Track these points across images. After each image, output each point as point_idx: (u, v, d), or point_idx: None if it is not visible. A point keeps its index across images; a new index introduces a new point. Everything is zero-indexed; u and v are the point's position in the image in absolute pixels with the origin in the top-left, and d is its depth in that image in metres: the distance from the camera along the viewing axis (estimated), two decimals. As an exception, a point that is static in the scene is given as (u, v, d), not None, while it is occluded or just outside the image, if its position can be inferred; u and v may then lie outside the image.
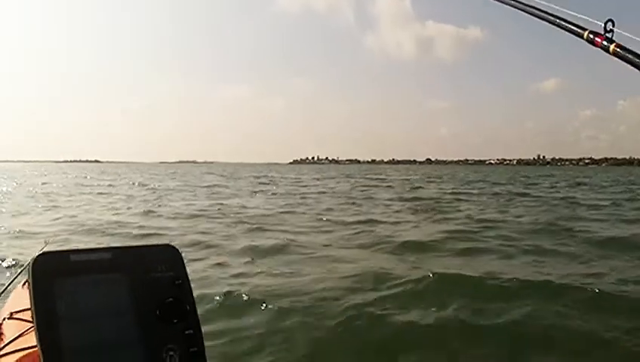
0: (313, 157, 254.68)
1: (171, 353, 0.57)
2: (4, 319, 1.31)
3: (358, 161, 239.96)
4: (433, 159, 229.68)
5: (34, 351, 0.56)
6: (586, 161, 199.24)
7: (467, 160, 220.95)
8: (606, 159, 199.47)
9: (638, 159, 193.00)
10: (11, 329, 1.17)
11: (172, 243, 0.65)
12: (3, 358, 1.08)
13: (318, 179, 35.20)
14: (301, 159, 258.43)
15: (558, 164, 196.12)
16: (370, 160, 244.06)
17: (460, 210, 12.22)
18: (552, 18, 1.34)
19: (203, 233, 8.07)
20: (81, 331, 0.54)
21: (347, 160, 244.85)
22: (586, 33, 1.17)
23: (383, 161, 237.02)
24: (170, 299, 0.60)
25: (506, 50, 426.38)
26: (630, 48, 1.06)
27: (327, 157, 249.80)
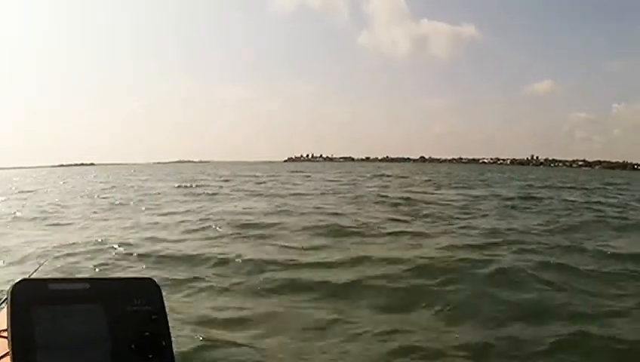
0: (308, 155, 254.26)
1: None
2: None
3: (352, 159, 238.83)
4: (427, 157, 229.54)
5: None
6: (580, 163, 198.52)
7: (461, 158, 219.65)
8: (599, 162, 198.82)
9: (632, 163, 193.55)
10: None
11: (152, 278, 0.65)
12: None
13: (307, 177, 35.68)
14: (295, 157, 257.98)
15: (552, 165, 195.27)
16: (364, 157, 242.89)
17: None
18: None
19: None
20: (56, 360, 0.54)
21: (341, 157, 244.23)
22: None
23: (377, 158, 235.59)
24: (147, 334, 0.60)
25: (500, 50, 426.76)
26: None
27: (321, 155, 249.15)
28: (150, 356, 0.58)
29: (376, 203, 17.08)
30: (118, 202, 18.28)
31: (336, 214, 13.44)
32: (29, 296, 0.56)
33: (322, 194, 21.21)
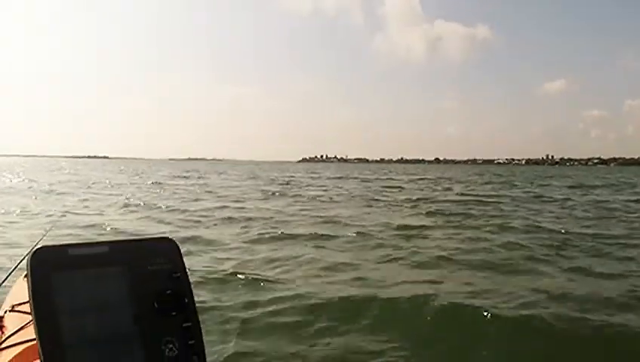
0: (322, 156, 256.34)
1: (170, 345, 0.58)
2: (5, 311, 1.32)
3: (367, 160, 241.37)
4: (442, 159, 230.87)
5: (35, 344, 0.52)
6: (595, 161, 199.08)
7: (476, 159, 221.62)
8: (614, 159, 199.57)
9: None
10: (13, 321, 1.18)
11: (170, 236, 0.65)
12: (5, 351, 1.09)
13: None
14: (310, 157, 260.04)
15: (567, 164, 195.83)
16: (378, 159, 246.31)
17: None
18: None
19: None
20: (80, 325, 0.55)
21: (356, 158, 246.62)
22: None
23: (391, 160, 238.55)
24: (169, 292, 0.60)
25: (514, 50, 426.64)
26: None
27: (335, 156, 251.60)
28: (173, 313, 0.60)
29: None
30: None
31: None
32: (48, 262, 0.56)
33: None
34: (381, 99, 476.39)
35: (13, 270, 1.64)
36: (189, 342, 0.59)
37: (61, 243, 0.59)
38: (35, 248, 0.56)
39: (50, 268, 0.55)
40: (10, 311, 1.29)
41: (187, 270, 0.63)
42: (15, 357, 1.05)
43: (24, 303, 1.24)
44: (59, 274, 0.56)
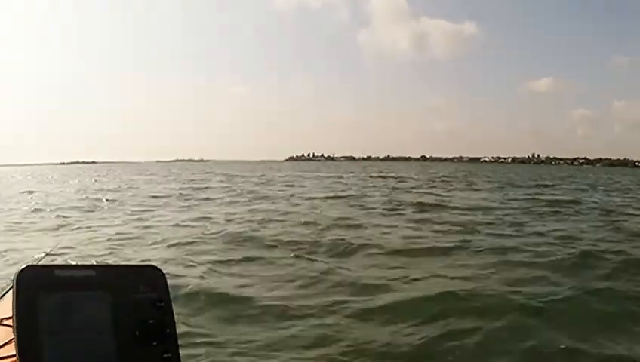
0: (309, 154, 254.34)
1: None
2: None
3: (354, 158, 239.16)
4: (428, 156, 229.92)
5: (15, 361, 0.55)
6: (581, 160, 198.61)
7: (462, 157, 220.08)
8: (600, 159, 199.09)
9: (633, 161, 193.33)
10: (0, 335, 1.14)
11: (156, 265, 0.65)
12: None
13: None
14: (297, 156, 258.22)
15: (553, 163, 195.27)
16: (365, 156, 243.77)
17: None
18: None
19: None
20: (60, 346, 0.54)
21: (343, 157, 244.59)
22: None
23: (378, 158, 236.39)
24: (151, 321, 0.60)
25: (500, 48, 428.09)
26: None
27: (322, 154, 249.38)
28: (154, 343, 0.59)
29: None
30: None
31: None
32: (34, 282, 0.56)
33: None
34: (368, 96, 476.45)
35: (9, 290, 1.53)
36: None
37: (49, 263, 0.61)
38: (23, 267, 0.57)
39: (35, 287, 0.56)
40: None
41: (171, 300, 0.63)
42: None
43: (10, 318, 0.98)
44: (43, 294, 0.56)
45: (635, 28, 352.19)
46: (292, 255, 7.17)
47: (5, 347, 1.03)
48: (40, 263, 0.62)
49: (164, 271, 0.66)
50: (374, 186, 26.37)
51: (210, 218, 11.59)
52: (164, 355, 0.59)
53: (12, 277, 0.57)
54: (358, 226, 10.20)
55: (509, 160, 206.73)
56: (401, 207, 14.37)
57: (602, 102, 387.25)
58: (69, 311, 0.57)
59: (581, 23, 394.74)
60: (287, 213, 12.59)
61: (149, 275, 0.63)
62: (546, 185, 29.11)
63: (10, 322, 1.12)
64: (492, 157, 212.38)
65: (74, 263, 0.92)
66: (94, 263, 1.00)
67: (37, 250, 6.76)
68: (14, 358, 0.75)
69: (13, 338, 0.68)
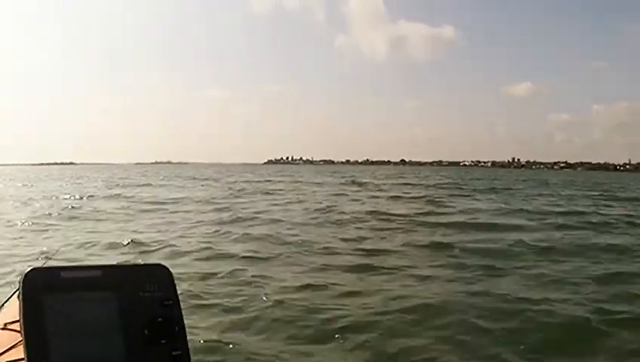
0: (288, 158, 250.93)
1: None
2: None
3: (332, 162, 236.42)
4: (407, 160, 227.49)
5: None
6: (561, 164, 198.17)
7: (442, 161, 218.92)
8: (581, 163, 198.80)
9: (613, 164, 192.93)
10: (4, 340, 1.00)
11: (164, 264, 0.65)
12: None
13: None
14: (275, 159, 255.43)
15: (533, 167, 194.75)
16: (344, 160, 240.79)
17: None
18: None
19: None
20: (69, 347, 0.53)
21: (321, 160, 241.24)
22: None
23: (357, 161, 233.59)
24: (160, 319, 0.59)
25: (479, 52, 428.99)
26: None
27: (301, 158, 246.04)
28: (163, 341, 0.58)
29: None
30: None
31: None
32: (40, 284, 0.55)
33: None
34: (346, 99, 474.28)
35: (14, 293, 1.31)
36: None
37: (54, 265, 0.59)
38: (29, 269, 0.56)
39: (41, 289, 0.55)
40: (2, 329, 1.11)
41: (179, 298, 0.63)
42: None
43: (16, 321, 0.92)
44: (50, 295, 0.55)
45: (613, 32, 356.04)
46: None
47: (11, 351, 0.93)
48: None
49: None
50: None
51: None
52: (174, 353, 0.58)
53: (18, 280, 0.56)
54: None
55: (489, 164, 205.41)
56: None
57: (581, 107, 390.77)
58: (77, 312, 0.55)
59: (561, 27, 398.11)
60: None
61: (155, 274, 0.62)
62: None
63: (14, 326, 1.08)
64: (472, 161, 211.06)
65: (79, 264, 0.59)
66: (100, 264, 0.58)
67: None
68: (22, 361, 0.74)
69: (19, 342, 0.65)
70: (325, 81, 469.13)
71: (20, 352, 0.68)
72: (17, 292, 0.59)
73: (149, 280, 0.61)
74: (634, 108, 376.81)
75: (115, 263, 0.63)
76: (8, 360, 0.87)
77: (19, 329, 0.55)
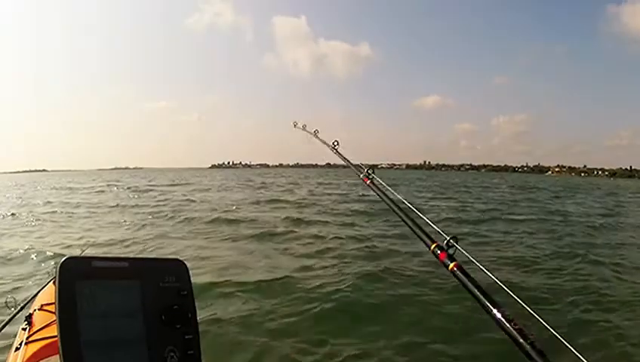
0: (229, 162, 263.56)
1: (172, 353, 0.66)
2: (34, 310, 1.47)
3: (268, 166, 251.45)
4: (332, 163, 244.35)
5: (56, 340, 0.59)
6: (467, 166, 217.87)
7: (361, 164, 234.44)
8: (484, 165, 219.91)
9: (512, 166, 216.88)
10: (40, 319, 1.32)
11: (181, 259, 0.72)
12: (31, 344, 1.24)
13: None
14: (219, 164, 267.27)
15: (442, 168, 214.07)
16: (277, 164, 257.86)
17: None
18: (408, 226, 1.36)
19: None
20: (96, 327, 0.62)
21: (258, 164, 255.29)
22: (432, 246, 1.19)
23: (288, 164, 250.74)
24: (175, 307, 0.69)
25: (392, 67, 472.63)
26: (466, 270, 1.07)
27: (240, 162, 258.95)
28: (178, 326, 0.68)
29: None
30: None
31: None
32: (74, 271, 0.63)
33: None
34: (276, 109, 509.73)
35: (51, 280, 1.81)
36: (189, 352, 0.68)
37: (88, 255, 0.69)
38: (65, 258, 0.65)
39: (75, 275, 0.63)
40: (39, 309, 1.46)
41: (193, 289, 0.72)
42: (39, 350, 1.21)
43: (51, 304, 1.38)
44: (82, 281, 0.63)
45: (513, 50, 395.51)
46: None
47: (46, 329, 1.18)
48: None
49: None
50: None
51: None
52: (186, 337, 0.68)
53: (55, 268, 0.62)
54: None
55: (404, 166, 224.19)
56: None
57: (483, 118, 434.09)
58: (104, 297, 0.64)
59: (466, 45, 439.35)
60: None
61: (174, 267, 0.72)
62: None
63: (48, 308, 1.40)
64: (388, 164, 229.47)
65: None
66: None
67: None
68: (53, 339, 1.01)
69: (53, 321, 0.84)
70: (258, 93, 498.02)
71: (52, 331, 0.93)
72: (53, 279, 0.72)
73: (168, 273, 0.70)
74: (529, 120, 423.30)
75: (139, 256, 0.71)
76: (43, 336, 1.09)
77: (53, 310, 0.70)
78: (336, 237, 9.71)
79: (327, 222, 12.51)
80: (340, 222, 12.37)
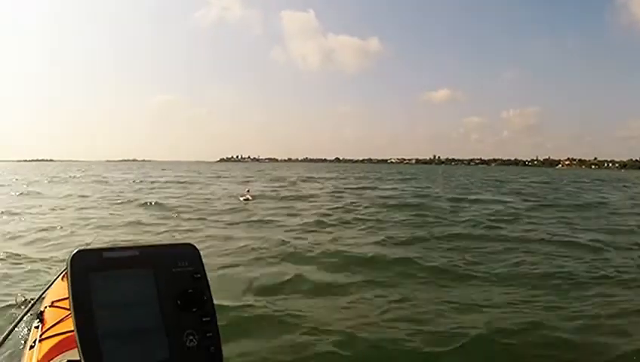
0: (237, 156, 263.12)
1: (191, 337, 0.67)
2: (45, 307, 1.44)
3: (276, 160, 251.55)
4: (341, 158, 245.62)
5: (71, 335, 0.60)
6: (477, 161, 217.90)
7: (371, 159, 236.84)
8: (494, 160, 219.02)
9: (522, 160, 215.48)
10: (52, 316, 1.29)
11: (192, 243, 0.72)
12: (45, 341, 1.21)
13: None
14: (227, 158, 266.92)
15: (452, 163, 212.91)
16: (286, 158, 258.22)
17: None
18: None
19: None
20: (112, 318, 0.62)
21: (267, 158, 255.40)
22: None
23: (297, 159, 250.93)
24: (190, 291, 0.68)
25: (402, 61, 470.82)
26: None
27: (249, 156, 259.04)
28: (194, 309, 0.68)
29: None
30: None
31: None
32: (86, 263, 0.62)
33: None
34: (286, 104, 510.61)
35: (60, 274, 1.77)
36: (207, 334, 0.68)
37: (97, 246, 0.67)
38: (75, 251, 0.64)
39: (87, 268, 0.63)
40: (49, 306, 1.42)
41: (206, 272, 0.71)
42: (54, 346, 1.18)
43: (62, 300, 1.37)
44: (95, 273, 0.63)
45: (523, 43, 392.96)
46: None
47: (58, 325, 1.16)
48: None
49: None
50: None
51: None
52: (204, 319, 0.68)
53: (66, 261, 0.61)
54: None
55: (413, 161, 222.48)
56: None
57: (493, 111, 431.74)
58: (118, 287, 0.64)
59: (475, 40, 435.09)
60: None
61: (186, 252, 0.72)
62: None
63: (60, 304, 1.34)
64: (398, 159, 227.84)
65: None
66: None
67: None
68: (66, 334, 0.96)
69: (64, 318, 0.93)
70: (268, 87, 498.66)
71: (65, 326, 0.85)
72: (61, 275, 0.97)
73: (180, 258, 0.70)
74: (539, 113, 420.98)
75: (150, 244, 0.70)
76: (57, 332, 1.05)
77: (64, 306, 0.74)
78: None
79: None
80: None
